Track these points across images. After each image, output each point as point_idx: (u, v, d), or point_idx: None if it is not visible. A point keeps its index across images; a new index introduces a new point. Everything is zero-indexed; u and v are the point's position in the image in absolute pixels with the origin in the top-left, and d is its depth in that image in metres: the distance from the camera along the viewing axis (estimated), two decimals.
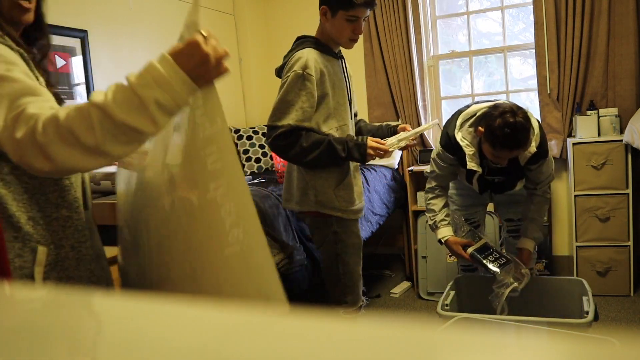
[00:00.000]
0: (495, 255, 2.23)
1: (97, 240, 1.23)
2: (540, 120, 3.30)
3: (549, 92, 3.29)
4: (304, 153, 1.82)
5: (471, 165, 2.09)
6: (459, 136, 2.12)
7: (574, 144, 3.02)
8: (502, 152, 1.98)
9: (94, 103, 0.86)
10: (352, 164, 1.98)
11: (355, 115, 2.17)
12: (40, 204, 1.04)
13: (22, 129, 0.86)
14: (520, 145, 1.96)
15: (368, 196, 2.98)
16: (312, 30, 1.97)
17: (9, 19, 1.07)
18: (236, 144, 3.76)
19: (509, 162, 2.08)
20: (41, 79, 1.05)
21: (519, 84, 3.71)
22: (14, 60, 0.98)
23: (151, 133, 0.89)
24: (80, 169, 0.95)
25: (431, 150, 3.45)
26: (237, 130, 3.79)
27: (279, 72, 1.96)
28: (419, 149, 3.52)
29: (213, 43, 0.90)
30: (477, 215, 2.51)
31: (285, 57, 1.95)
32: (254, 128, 3.83)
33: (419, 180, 3.54)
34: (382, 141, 1.91)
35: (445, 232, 2.27)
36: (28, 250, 1.02)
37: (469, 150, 2.10)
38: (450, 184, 2.44)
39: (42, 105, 0.91)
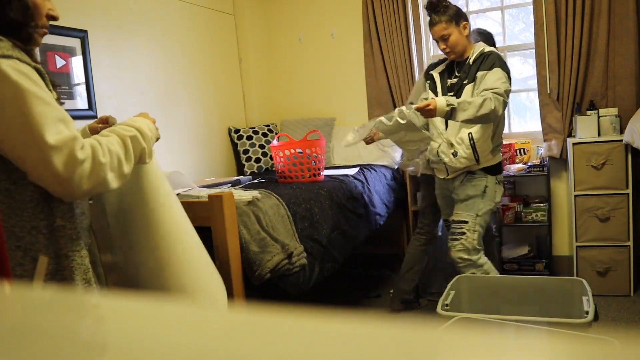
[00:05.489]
0: None
1: (93, 245, 1.23)
2: (541, 119, 3.33)
3: (549, 92, 3.29)
4: None
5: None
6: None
7: (574, 144, 3.03)
8: (431, 27, 2.40)
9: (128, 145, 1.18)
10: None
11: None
12: (46, 212, 1.04)
13: (82, 153, 1.04)
14: (435, 7, 2.34)
15: (368, 195, 2.99)
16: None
17: (41, 33, 1.12)
18: (236, 144, 3.76)
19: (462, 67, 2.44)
20: (54, 93, 1.09)
21: (519, 83, 3.71)
22: (41, 84, 1.02)
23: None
24: (107, 190, 1.16)
25: None
26: (237, 130, 3.79)
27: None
28: None
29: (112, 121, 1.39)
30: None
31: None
32: (254, 128, 3.83)
33: (419, 180, 3.54)
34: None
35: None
36: (29, 259, 1.01)
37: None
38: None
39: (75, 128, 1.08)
